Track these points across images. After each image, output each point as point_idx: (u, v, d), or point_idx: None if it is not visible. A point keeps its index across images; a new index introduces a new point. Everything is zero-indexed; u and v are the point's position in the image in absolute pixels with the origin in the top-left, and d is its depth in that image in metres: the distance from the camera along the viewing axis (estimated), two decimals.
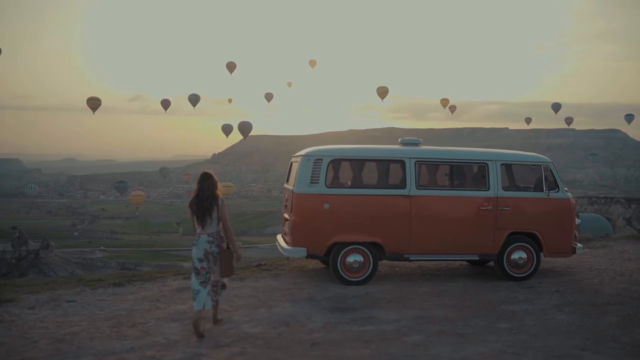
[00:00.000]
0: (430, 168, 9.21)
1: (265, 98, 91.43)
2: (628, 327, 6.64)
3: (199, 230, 6.38)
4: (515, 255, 8.98)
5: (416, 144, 9.27)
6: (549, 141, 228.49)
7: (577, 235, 9.48)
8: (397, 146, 9.27)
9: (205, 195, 6.38)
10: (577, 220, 9.53)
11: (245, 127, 79.91)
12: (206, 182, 6.46)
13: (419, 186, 8.77)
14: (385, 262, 9.31)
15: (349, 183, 9.00)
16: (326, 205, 8.50)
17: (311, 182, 8.55)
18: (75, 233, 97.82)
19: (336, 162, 8.85)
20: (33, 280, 9.44)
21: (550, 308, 7.47)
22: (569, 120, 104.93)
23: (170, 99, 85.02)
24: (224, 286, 6.68)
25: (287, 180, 9.49)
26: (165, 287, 8.37)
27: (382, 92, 78.27)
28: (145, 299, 7.69)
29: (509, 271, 8.98)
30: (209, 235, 6.36)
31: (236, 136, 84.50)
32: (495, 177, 8.94)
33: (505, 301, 7.84)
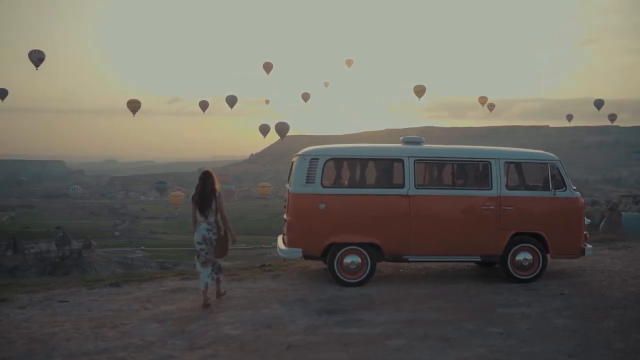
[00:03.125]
0: (430, 167, 8.99)
1: (302, 98, 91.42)
2: (625, 332, 6.31)
3: (200, 219, 7.41)
4: (520, 257, 8.68)
5: (418, 143, 9.05)
6: (592, 139, 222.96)
7: (587, 235, 9.12)
8: (396, 145, 9.08)
9: (207, 190, 7.43)
10: (587, 220, 9.16)
11: (282, 128, 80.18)
12: (208, 180, 7.52)
13: (418, 185, 8.55)
14: (390, 263, 9.12)
15: (346, 182, 8.84)
16: (322, 205, 8.36)
17: (307, 182, 8.43)
18: (117, 233, 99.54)
19: (333, 162, 8.68)
20: (37, 281, 9.61)
21: (549, 311, 7.18)
22: (612, 117, 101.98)
23: (208, 101, 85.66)
24: (219, 268, 7.59)
25: (288, 180, 9.39)
26: (160, 288, 8.37)
27: (419, 91, 77.44)
28: (137, 300, 7.69)
29: (513, 273, 8.68)
30: (208, 224, 7.40)
31: (274, 136, 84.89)
32: (499, 175, 8.65)
33: (504, 304, 7.58)
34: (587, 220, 9.16)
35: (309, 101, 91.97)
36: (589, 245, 9.02)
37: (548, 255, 8.79)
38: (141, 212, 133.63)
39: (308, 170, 8.44)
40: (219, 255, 7.51)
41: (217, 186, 7.54)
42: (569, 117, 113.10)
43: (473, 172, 8.98)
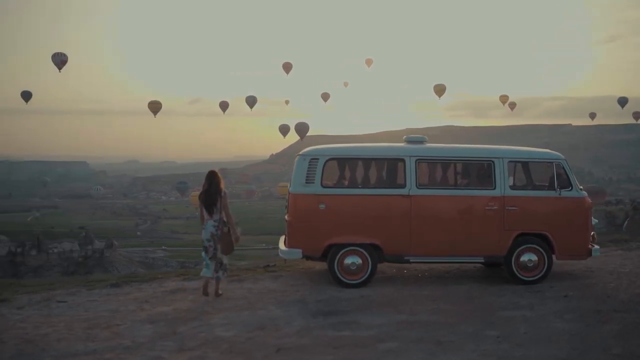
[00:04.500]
0: (432, 167, 8.86)
1: (322, 98, 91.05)
2: (626, 336, 6.13)
3: (206, 217, 7.81)
4: (524, 258, 8.51)
5: (421, 142, 8.93)
6: (616, 137, 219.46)
7: (594, 236, 8.91)
8: (398, 144, 8.97)
9: (212, 189, 7.80)
10: (594, 221, 8.96)
11: (302, 128, 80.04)
12: (214, 179, 7.87)
13: (419, 185, 8.43)
14: (393, 264, 9.02)
15: (347, 183, 8.74)
16: (322, 206, 8.29)
17: (306, 182, 8.37)
18: (138, 233, 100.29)
19: (333, 162, 8.61)
20: (38, 281, 9.65)
21: (550, 314, 7.02)
22: (636, 115, 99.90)
23: (228, 101, 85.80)
24: (222, 265, 7.80)
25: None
26: (160, 289, 8.35)
27: (440, 90, 76.82)
28: (136, 300, 7.68)
29: (517, 274, 8.52)
30: (214, 221, 7.78)
31: (293, 137, 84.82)
32: (502, 175, 8.50)
33: (505, 306, 7.43)
34: (594, 221, 8.95)
35: (328, 101, 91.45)
36: (596, 246, 8.81)
37: (554, 257, 8.61)
38: (162, 212, 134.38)
39: (308, 170, 8.39)
40: (225, 252, 7.80)
41: (222, 185, 7.94)
42: (592, 115, 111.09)
43: (476, 171, 8.83)
